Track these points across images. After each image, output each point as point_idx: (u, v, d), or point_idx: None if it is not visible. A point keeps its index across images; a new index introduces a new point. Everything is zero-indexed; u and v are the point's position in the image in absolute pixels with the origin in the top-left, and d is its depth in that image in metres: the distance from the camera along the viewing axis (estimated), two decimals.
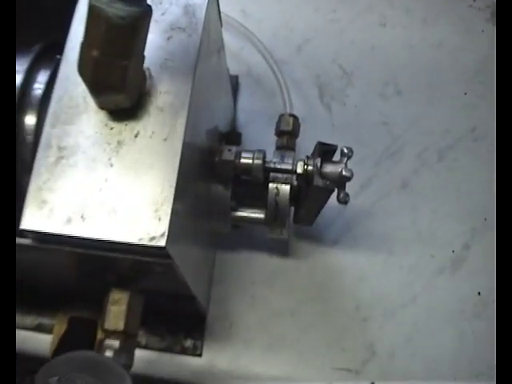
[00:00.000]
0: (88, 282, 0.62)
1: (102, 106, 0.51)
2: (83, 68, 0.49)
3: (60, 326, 0.70)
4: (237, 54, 0.81)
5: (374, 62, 0.83)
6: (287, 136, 0.70)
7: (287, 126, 0.70)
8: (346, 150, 0.63)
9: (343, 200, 0.62)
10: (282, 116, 0.71)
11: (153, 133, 0.51)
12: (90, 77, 0.48)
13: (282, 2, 0.86)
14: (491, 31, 0.83)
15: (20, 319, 0.72)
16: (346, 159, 0.62)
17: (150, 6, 0.48)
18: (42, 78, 0.60)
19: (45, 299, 0.70)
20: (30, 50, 0.62)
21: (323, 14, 0.85)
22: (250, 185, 0.66)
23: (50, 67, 0.61)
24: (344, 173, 0.61)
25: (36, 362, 0.69)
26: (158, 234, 0.48)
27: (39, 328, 0.72)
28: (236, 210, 0.67)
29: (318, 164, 0.62)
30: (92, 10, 0.46)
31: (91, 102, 0.52)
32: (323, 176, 0.62)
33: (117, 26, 0.46)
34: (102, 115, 0.52)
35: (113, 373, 0.51)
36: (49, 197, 0.50)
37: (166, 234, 0.48)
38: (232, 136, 0.72)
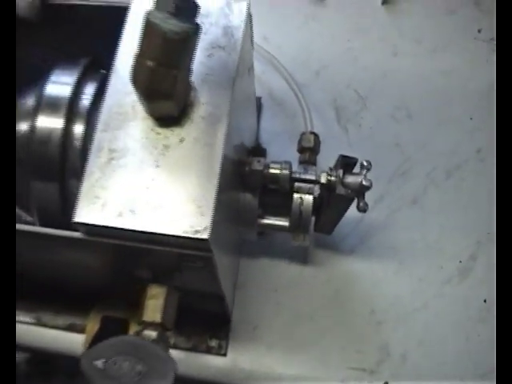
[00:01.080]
0: (123, 281, 0.67)
1: (151, 113, 0.57)
2: (137, 77, 0.54)
3: (93, 325, 0.75)
4: (259, 77, 0.87)
5: (386, 87, 0.89)
6: (309, 152, 0.75)
7: (309, 142, 0.76)
8: (365, 163, 0.68)
9: (363, 208, 0.67)
10: (303, 134, 0.77)
11: (196, 139, 0.57)
12: (144, 84, 0.54)
13: (301, 30, 0.92)
14: (494, 61, 0.89)
15: (52, 319, 0.77)
16: (365, 171, 0.68)
17: (198, 25, 0.53)
18: (89, 90, 0.65)
19: (77, 299, 0.75)
20: (77, 64, 0.67)
21: (339, 43, 0.91)
22: (276, 194, 0.71)
23: (95, 80, 0.67)
24: (364, 182, 0.66)
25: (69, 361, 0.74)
26: (202, 227, 0.53)
27: (71, 328, 0.76)
28: (262, 218, 0.72)
29: (341, 174, 0.68)
30: (149, 25, 0.52)
31: (139, 110, 0.58)
32: (345, 185, 0.67)
33: (171, 40, 0.52)
34: (149, 122, 0.57)
35: (158, 357, 0.56)
36: (101, 193, 0.55)
37: (209, 228, 0.53)
38: (257, 151, 0.77)
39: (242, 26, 0.62)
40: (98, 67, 0.68)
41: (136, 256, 0.59)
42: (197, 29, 0.53)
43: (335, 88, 0.88)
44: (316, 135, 0.77)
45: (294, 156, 0.75)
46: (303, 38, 0.91)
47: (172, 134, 0.57)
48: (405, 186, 0.84)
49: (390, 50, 0.92)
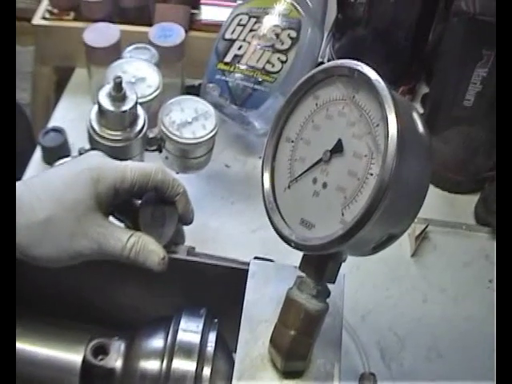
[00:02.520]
0: None
1: (282, 368, 0.71)
2: (278, 341, 0.69)
3: None
4: None
5: (420, 330, 1.06)
6: None
7: (369, 381, 0.91)
8: None
9: None
10: (363, 373, 0.92)
11: None
12: (284, 348, 0.69)
13: (347, 278, 1.09)
14: None
15: None
16: None
17: (328, 305, 0.69)
18: (211, 338, 0.79)
19: None
20: (196, 312, 0.81)
21: (379, 291, 1.10)
22: None
23: (212, 328, 0.80)
24: None
25: None
26: None
27: None
28: None
29: None
30: (292, 301, 0.68)
31: (267, 363, 0.72)
32: None
33: (312, 317, 0.67)
34: (277, 374, 0.72)
35: None
36: None
37: None
38: None
39: (343, 296, 0.79)
40: (211, 315, 0.83)
41: None
42: (328, 307, 0.69)
43: (378, 331, 1.05)
44: (374, 376, 0.92)
45: None
46: (350, 287, 1.08)
47: None
48: None
49: (420, 298, 1.10)
